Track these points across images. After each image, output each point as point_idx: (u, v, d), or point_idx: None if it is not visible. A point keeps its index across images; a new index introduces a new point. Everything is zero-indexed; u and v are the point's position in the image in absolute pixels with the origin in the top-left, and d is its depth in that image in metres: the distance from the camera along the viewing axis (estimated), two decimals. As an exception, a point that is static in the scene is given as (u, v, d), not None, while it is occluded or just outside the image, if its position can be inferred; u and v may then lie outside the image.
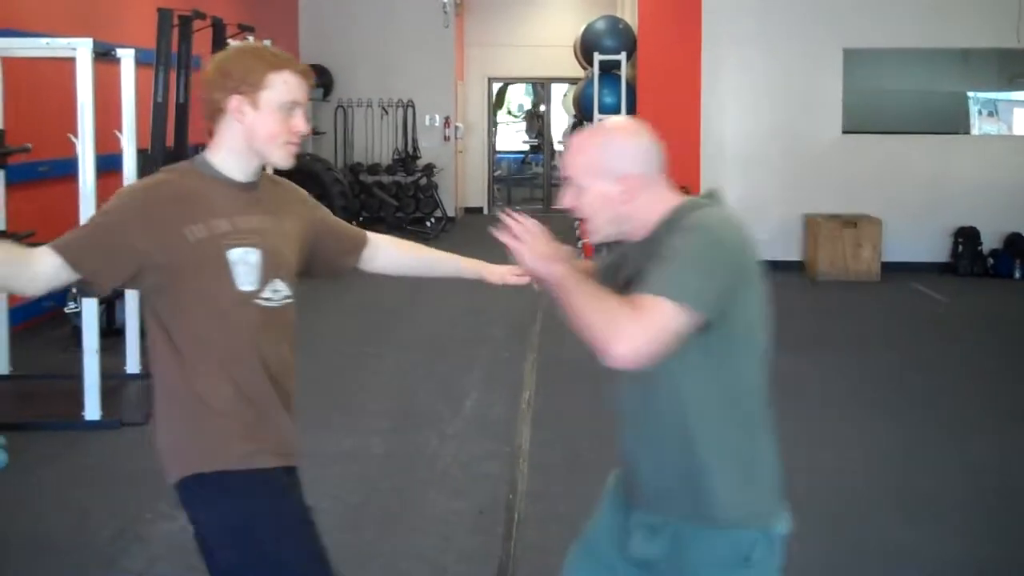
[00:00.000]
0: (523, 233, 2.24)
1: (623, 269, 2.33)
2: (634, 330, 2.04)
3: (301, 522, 2.50)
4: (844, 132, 11.75)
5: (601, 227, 2.32)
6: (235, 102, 2.42)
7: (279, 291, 2.48)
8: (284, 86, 2.43)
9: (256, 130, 2.42)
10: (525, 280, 2.71)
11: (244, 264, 2.41)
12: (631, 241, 2.34)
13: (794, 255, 11.68)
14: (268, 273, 2.45)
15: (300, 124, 2.46)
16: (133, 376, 6.91)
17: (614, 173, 2.27)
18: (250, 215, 2.47)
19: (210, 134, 2.51)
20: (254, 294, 2.42)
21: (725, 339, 2.16)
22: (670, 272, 2.09)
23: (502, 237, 2.25)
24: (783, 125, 11.73)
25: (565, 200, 2.34)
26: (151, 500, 4.83)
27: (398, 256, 2.95)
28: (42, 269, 2.28)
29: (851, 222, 11.15)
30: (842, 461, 5.51)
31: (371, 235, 2.89)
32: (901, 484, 5.20)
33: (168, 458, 2.47)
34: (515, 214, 2.29)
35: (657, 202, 2.29)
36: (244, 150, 2.45)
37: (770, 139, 11.70)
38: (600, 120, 2.36)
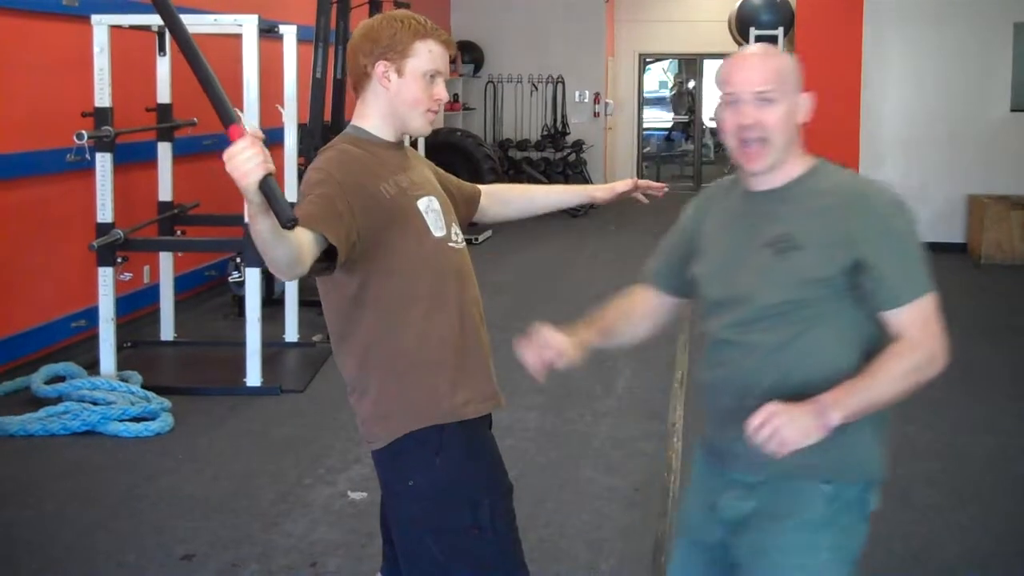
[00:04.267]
0: (773, 424, 2.03)
1: (759, 227, 2.24)
2: (934, 347, 2.11)
3: (503, 475, 2.56)
4: (1013, 110, 11.25)
5: (778, 150, 2.22)
6: (381, 67, 2.45)
7: (458, 234, 2.57)
8: (428, 55, 2.46)
9: (401, 96, 2.46)
10: (631, 187, 3.00)
11: (431, 212, 2.48)
12: (757, 189, 2.27)
13: (958, 237, 11.26)
14: (448, 218, 2.53)
15: (442, 92, 2.50)
16: (292, 344, 7.07)
17: (799, 91, 2.24)
18: (416, 169, 2.55)
19: (356, 102, 2.54)
20: (446, 238, 2.49)
21: (860, 300, 2.17)
22: (913, 271, 2.14)
23: (763, 442, 2.05)
24: (948, 103, 11.29)
25: (746, 116, 2.19)
26: (311, 465, 4.95)
27: (510, 200, 3.00)
28: (307, 244, 2.19)
29: (1020, 204, 10.69)
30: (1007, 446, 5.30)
31: (482, 187, 2.93)
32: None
33: (377, 423, 2.46)
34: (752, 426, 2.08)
35: (801, 145, 2.27)
36: (389, 115, 2.50)
37: (933, 117, 11.29)
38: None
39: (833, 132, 11.47)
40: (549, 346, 2.42)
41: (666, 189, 3.13)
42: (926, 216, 11.31)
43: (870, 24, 11.38)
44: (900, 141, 11.45)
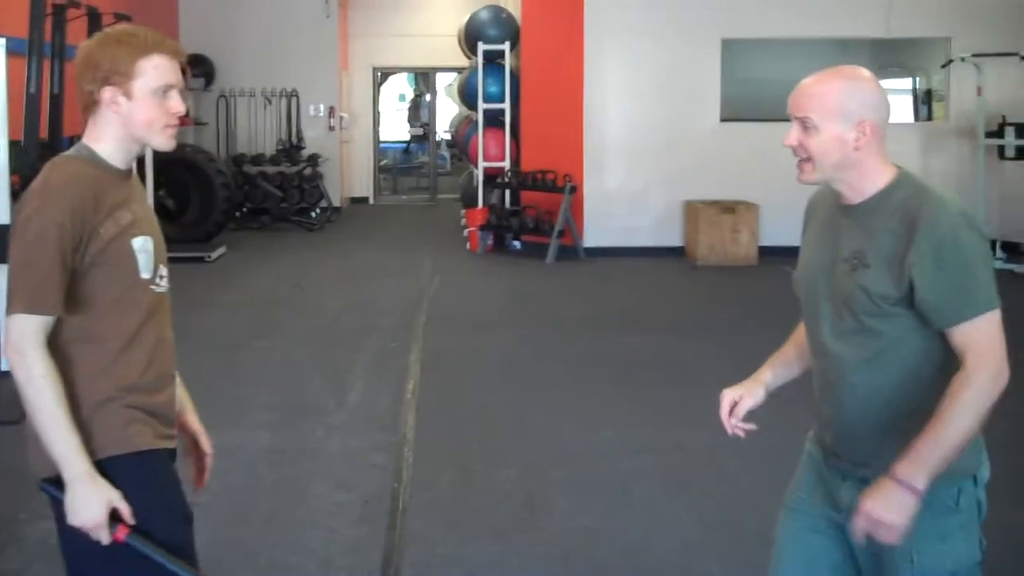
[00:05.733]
0: (874, 521, 2.23)
1: (841, 241, 2.36)
2: (993, 367, 2.20)
3: (182, 506, 2.52)
4: (722, 120, 11.99)
5: (825, 170, 2.33)
6: (108, 93, 2.38)
7: (163, 276, 2.50)
8: (155, 71, 2.39)
9: (133, 118, 2.40)
10: None
11: (144, 252, 2.42)
12: (843, 203, 2.37)
13: (675, 241, 11.89)
14: (158, 259, 2.47)
15: (177, 105, 2.43)
16: (6, 373, 6.70)
17: (854, 117, 2.30)
18: (137, 203, 2.48)
19: (85, 124, 2.47)
20: (150, 280, 2.44)
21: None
22: (970, 289, 2.22)
23: (877, 536, 2.26)
24: (664, 113, 11.91)
25: (790, 137, 2.34)
26: (25, 499, 4.73)
27: None
28: (33, 346, 2.28)
29: (730, 208, 11.39)
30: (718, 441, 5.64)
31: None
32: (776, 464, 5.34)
33: (41, 454, 2.40)
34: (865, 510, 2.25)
35: (881, 163, 2.34)
36: (124, 138, 2.43)
37: (651, 127, 11.87)
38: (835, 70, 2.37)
39: (557, 142, 11.93)
40: (736, 409, 2.57)
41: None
42: (647, 221, 11.94)
43: (590, 38, 11.86)
44: (621, 150, 11.99)
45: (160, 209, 11.70)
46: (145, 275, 2.42)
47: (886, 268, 2.26)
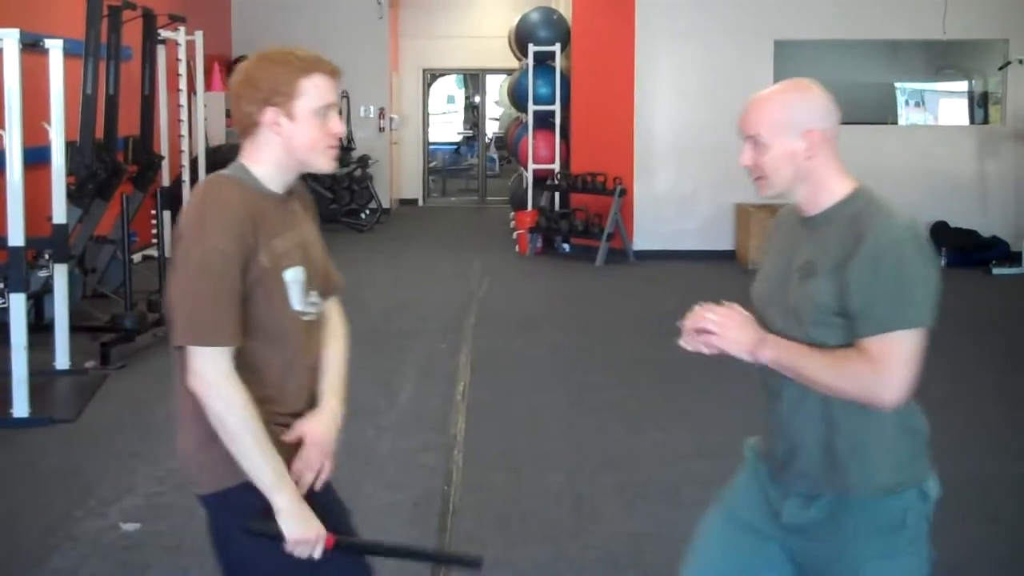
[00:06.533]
0: (718, 325, 2.26)
1: (797, 252, 2.36)
2: (889, 380, 2.16)
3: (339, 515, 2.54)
4: (775, 123, 11.88)
5: (780, 184, 2.34)
6: (270, 114, 2.32)
7: (315, 303, 2.45)
8: (316, 91, 2.33)
9: (295, 140, 2.33)
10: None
11: (295, 283, 2.36)
12: (802, 215, 2.38)
13: (726, 244, 11.83)
14: (309, 287, 2.41)
15: (337, 125, 2.38)
16: (63, 372, 6.82)
17: (800, 128, 2.30)
18: (294, 229, 2.41)
19: (242, 146, 2.40)
20: (301, 312, 2.39)
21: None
22: (899, 301, 2.17)
23: (693, 337, 2.28)
24: (715, 116, 11.80)
25: (744, 158, 2.36)
26: (81, 498, 4.79)
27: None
28: (223, 377, 2.22)
29: (782, 211, 11.28)
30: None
31: (334, 299, 2.67)
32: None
33: (204, 468, 2.36)
34: (705, 309, 2.30)
35: (836, 175, 2.33)
36: (285, 161, 2.37)
37: (701, 129, 11.80)
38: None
39: (607, 144, 11.89)
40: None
41: None
42: (696, 224, 11.89)
43: (642, 40, 11.82)
44: (671, 152, 11.94)
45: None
46: (296, 306, 2.38)
47: (832, 277, 2.23)
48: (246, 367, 2.30)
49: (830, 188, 2.32)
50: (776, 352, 2.26)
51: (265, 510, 2.29)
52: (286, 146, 2.34)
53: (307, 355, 2.45)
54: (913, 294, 2.17)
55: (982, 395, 6.67)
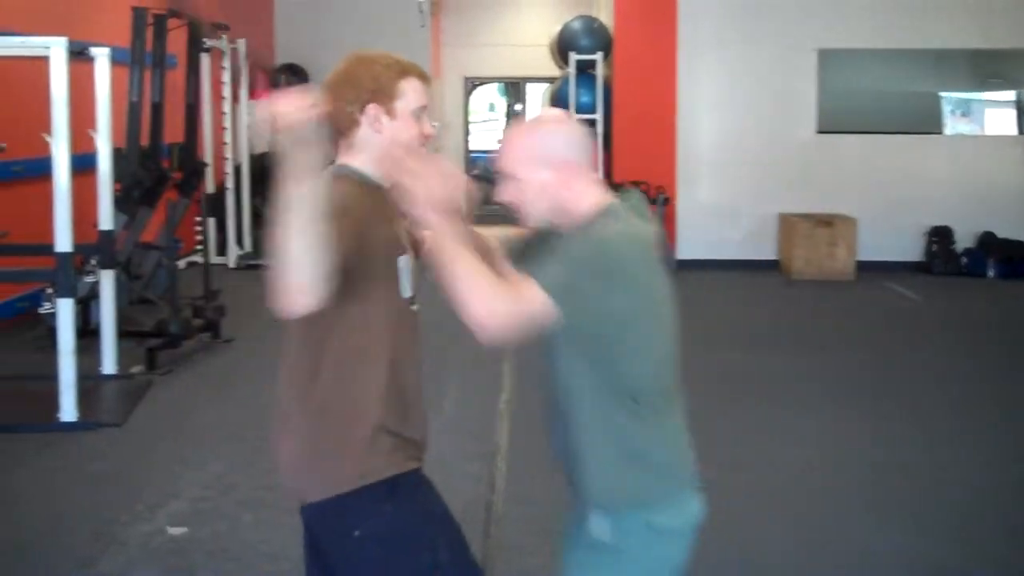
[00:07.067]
0: (427, 172, 2.18)
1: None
2: (503, 307, 2.13)
3: (450, 518, 2.55)
4: (819, 132, 11.82)
5: (538, 215, 2.36)
6: (372, 112, 2.38)
7: (415, 299, 2.50)
8: (414, 93, 2.40)
9: (396, 139, 2.38)
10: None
11: (406, 271, 2.42)
12: (560, 233, 2.38)
13: (769, 254, 11.75)
14: (415, 278, 2.47)
15: (429, 128, 2.43)
16: (110, 376, 6.87)
17: (549, 161, 2.31)
18: (398, 219, 2.44)
19: (337, 145, 2.43)
20: (410, 300, 2.45)
21: (598, 340, 2.27)
22: (550, 266, 2.20)
23: (401, 173, 2.20)
24: (758, 125, 11.79)
25: (504, 194, 2.35)
26: (128, 502, 4.82)
27: None
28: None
29: (826, 221, 11.21)
30: (812, 459, 5.55)
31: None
32: (871, 483, 5.23)
33: (315, 475, 2.37)
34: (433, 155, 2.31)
35: (589, 195, 2.34)
36: (381, 160, 2.39)
37: (745, 139, 11.76)
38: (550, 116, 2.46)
39: (650, 153, 11.86)
40: None
41: None
42: (740, 234, 11.82)
43: (684, 49, 11.79)
44: (715, 162, 11.88)
45: (257, 216, 11.87)
46: (406, 294, 2.43)
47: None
48: (366, 358, 2.35)
49: (584, 209, 2.33)
50: (441, 233, 2.16)
51: (377, 515, 2.33)
52: (385, 144, 2.38)
53: (417, 348, 2.52)
54: (561, 269, 2.18)
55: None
